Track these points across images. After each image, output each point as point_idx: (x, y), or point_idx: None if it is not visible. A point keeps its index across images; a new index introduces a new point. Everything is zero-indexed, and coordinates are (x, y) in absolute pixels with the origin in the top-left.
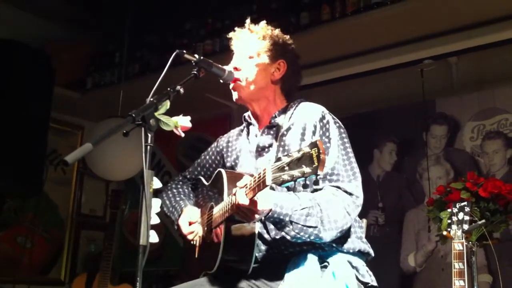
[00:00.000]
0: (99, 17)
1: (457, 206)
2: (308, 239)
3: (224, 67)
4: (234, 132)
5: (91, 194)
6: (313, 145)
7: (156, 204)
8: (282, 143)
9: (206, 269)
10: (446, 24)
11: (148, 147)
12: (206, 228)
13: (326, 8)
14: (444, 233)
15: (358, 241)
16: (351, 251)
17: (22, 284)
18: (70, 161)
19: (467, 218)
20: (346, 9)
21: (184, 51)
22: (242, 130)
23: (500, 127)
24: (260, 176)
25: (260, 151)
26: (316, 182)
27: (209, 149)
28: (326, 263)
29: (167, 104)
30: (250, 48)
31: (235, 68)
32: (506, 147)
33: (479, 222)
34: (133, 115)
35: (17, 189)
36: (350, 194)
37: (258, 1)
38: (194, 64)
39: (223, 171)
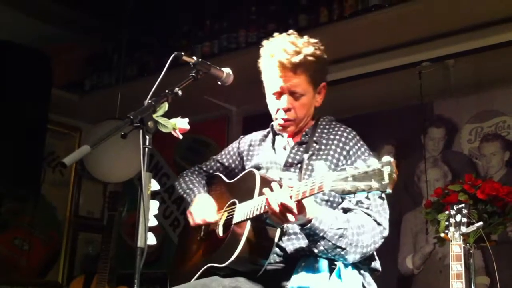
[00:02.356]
0: (98, 19)
1: (455, 208)
2: (332, 257)
3: (223, 69)
4: (256, 136)
5: (89, 196)
6: (387, 163)
7: (154, 206)
8: (312, 163)
9: (215, 262)
10: (444, 27)
11: (146, 149)
12: (222, 222)
13: (324, 11)
14: (442, 235)
15: (370, 258)
16: (361, 263)
17: (20, 286)
18: (68, 163)
19: (465, 220)
20: (344, 11)
21: (183, 53)
22: (266, 136)
23: (498, 130)
24: (316, 181)
25: (289, 166)
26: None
27: (230, 147)
28: (333, 266)
29: (165, 106)
30: (302, 86)
31: (287, 109)
32: (504, 149)
33: (477, 224)
34: (131, 117)
35: (15, 191)
36: (379, 224)
37: (257, 3)
38: (192, 66)
39: (256, 172)
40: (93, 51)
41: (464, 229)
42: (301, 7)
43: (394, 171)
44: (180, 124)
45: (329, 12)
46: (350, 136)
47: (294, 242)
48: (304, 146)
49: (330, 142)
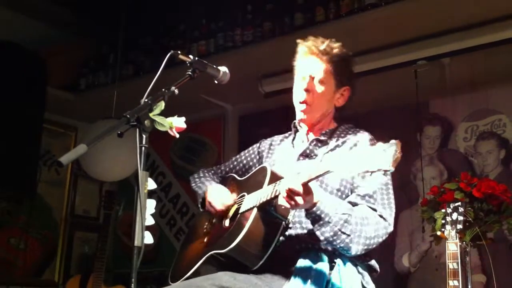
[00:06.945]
0: (93, 18)
1: (451, 206)
2: (337, 246)
3: (219, 67)
4: (278, 137)
5: (85, 195)
6: (391, 144)
7: (150, 205)
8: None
9: (217, 249)
10: (440, 26)
11: (143, 148)
12: (231, 214)
13: (320, 9)
14: (438, 233)
15: (370, 257)
16: (360, 261)
17: (16, 286)
18: (65, 162)
19: (461, 218)
20: (340, 10)
21: (179, 52)
22: (286, 137)
23: (493, 128)
24: (322, 164)
25: (304, 156)
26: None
27: (250, 148)
28: (333, 264)
29: (161, 105)
30: (324, 73)
31: (306, 90)
32: (500, 148)
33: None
34: (128, 116)
35: (10, 190)
36: (384, 219)
37: (253, 2)
38: (188, 65)
39: (268, 166)
40: (89, 51)
41: (460, 227)
42: (297, 5)
43: (398, 152)
44: (176, 123)
45: (325, 11)
46: (369, 138)
47: (298, 230)
48: (322, 142)
49: (346, 141)
